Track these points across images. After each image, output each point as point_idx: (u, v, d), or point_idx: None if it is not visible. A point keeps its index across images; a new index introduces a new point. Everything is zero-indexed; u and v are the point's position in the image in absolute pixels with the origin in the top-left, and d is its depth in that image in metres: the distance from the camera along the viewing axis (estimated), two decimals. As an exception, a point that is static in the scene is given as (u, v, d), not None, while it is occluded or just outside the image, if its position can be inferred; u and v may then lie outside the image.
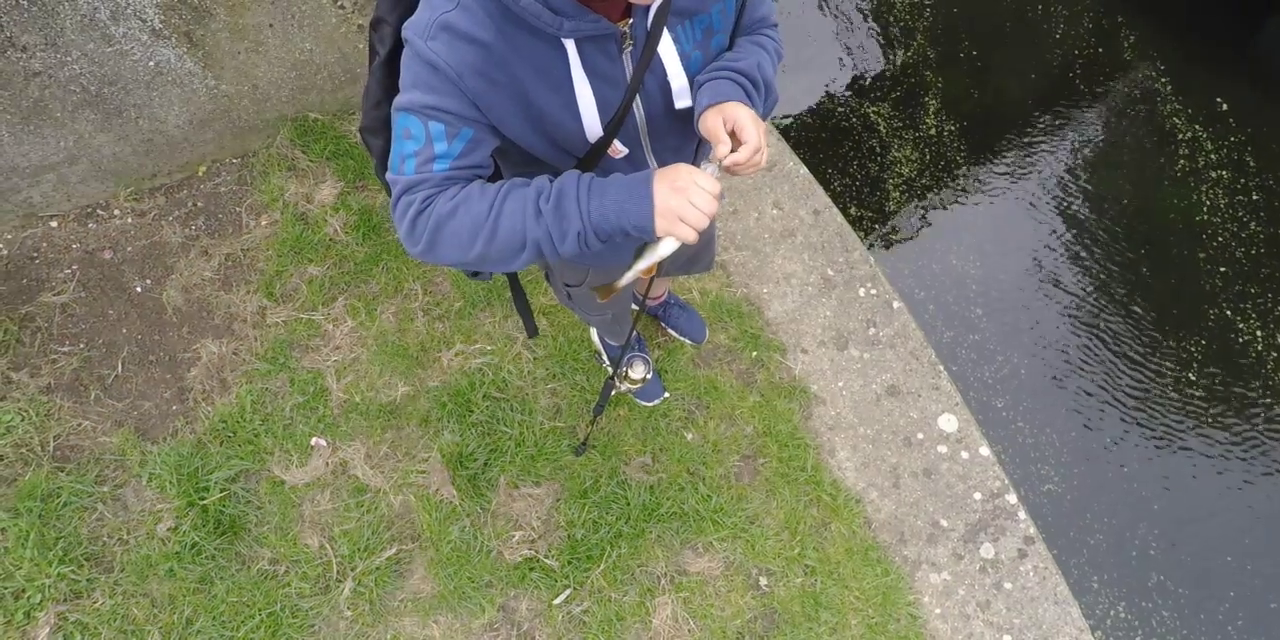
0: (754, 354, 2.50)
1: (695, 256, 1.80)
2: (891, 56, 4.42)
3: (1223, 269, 3.63)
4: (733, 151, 0.96)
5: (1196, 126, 4.10)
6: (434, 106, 0.93)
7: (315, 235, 2.52)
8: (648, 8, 0.92)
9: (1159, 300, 3.53)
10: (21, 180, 2.38)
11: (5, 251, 2.35)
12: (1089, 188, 3.89)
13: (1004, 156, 3.98)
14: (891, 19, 4.61)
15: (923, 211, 3.81)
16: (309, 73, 2.67)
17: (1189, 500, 3.06)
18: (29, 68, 2.17)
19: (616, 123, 1.00)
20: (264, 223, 2.56)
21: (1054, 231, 3.72)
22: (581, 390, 2.36)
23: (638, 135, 1.07)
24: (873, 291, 2.65)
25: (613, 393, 2.15)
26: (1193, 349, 3.39)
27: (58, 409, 2.11)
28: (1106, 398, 3.28)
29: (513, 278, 1.52)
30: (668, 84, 1.01)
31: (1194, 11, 4.92)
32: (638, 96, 1.00)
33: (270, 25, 2.46)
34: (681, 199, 0.90)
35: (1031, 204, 3.81)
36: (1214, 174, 3.94)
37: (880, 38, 4.54)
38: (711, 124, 0.98)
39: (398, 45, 1.04)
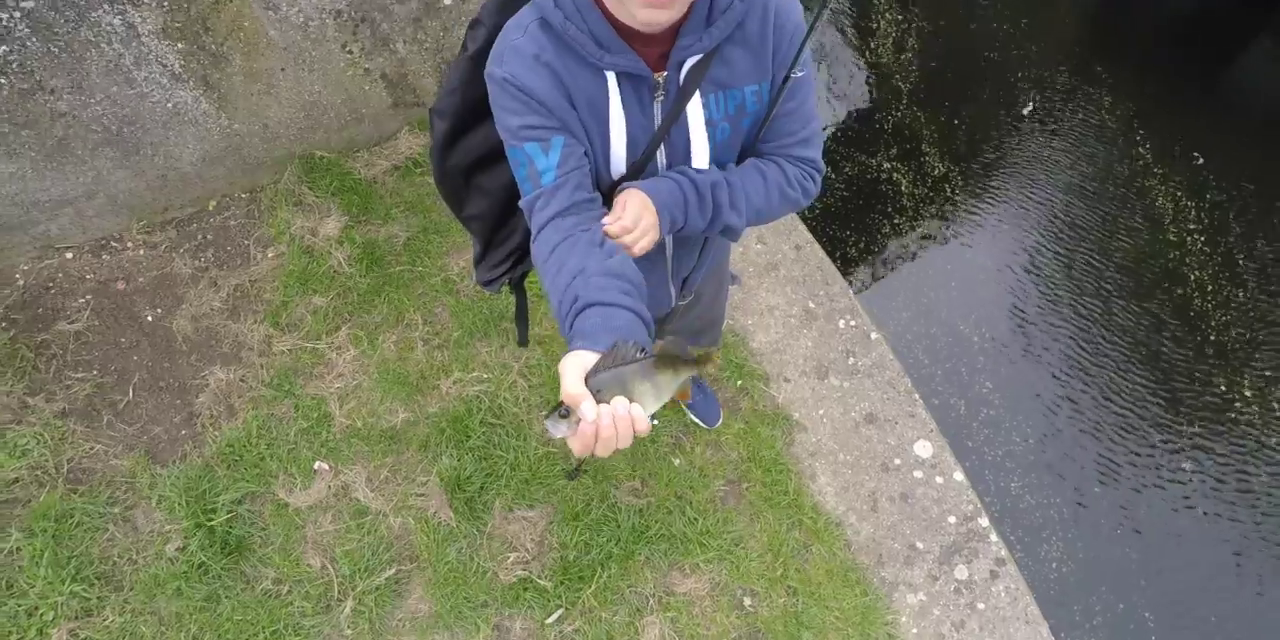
0: (739, 383, 2.65)
1: (701, 331, 1.95)
2: (877, 111, 4.68)
3: (1212, 337, 3.80)
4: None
5: (1179, 193, 4.31)
6: (522, 125, 1.04)
7: (320, 267, 2.66)
8: (682, 64, 1.05)
9: (1159, 373, 3.70)
10: (41, 214, 2.52)
11: (22, 282, 2.48)
12: (1079, 259, 4.07)
13: (992, 234, 4.18)
14: (875, 71, 4.88)
15: (923, 280, 4.00)
16: (317, 113, 2.84)
17: (1189, 572, 3.20)
18: (55, 109, 2.33)
19: (639, 165, 1.13)
20: (271, 255, 2.70)
21: (1051, 306, 3.90)
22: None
23: None
24: (852, 323, 2.82)
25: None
26: (1193, 428, 3.55)
27: (71, 433, 2.23)
28: (1115, 471, 3.44)
29: (519, 291, 1.64)
30: (689, 142, 1.13)
31: (1162, 50, 5.21)
32: (662, 147, 1.12)
33: (282, 69, 2.64)
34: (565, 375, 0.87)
35: (1024, 279, 4.01)
36: (1198, 242, 4.14)
37: (866, 91, 4.79)
38: (616, 197, 1.11)
39: (485, 46, 1.13)
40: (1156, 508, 3.36)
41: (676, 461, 2.47)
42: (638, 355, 0.84)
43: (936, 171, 4.40)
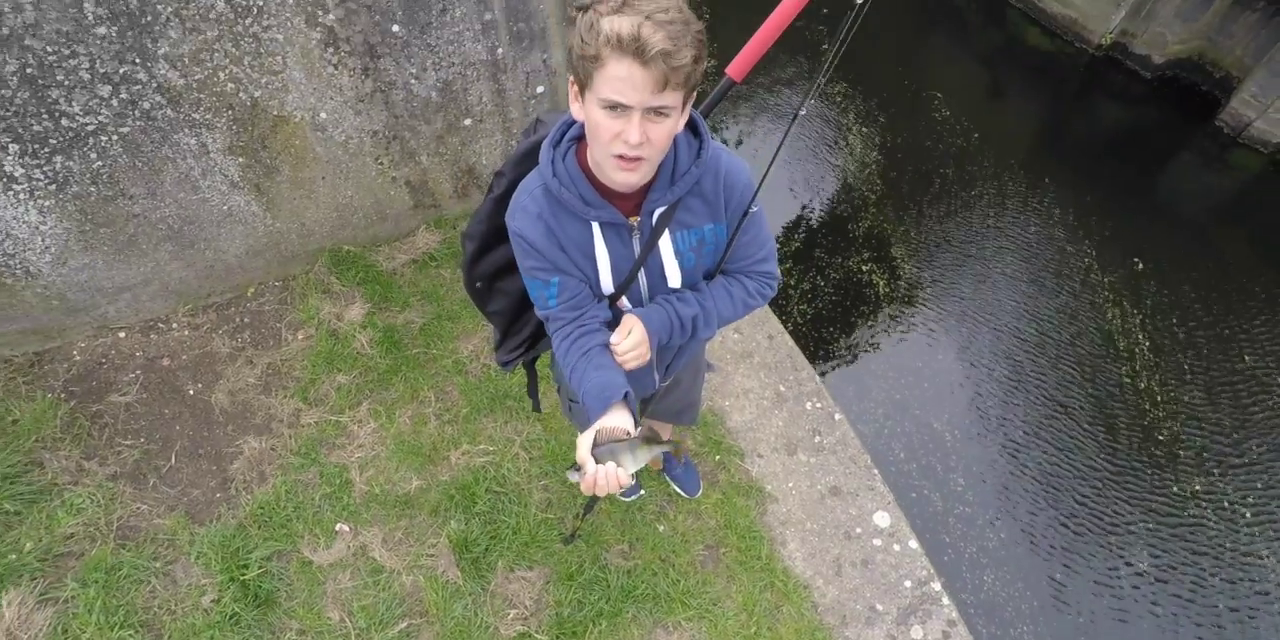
0: (717, 457, 3.02)
1: (681, 412, 2.32)
2: (850, 221, 5.29)
3: (1162, 439, 4.24)
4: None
5: (1124, 302, 4.86)
6: (528, 266, 1.46)
7: (345, 349, 3.06)
8: (652, 212, 1.47)
9: (1118, 479, 4.11)
10: (103, 298, 2.92)
11: (80, 358, 2.85)
12: (1038, 371, 4.55)
13: (959, 340, 4.67)
14: (844, 183, 5.53)
15: (898, 379, 4.44)
16: (348, 213, 3.32)
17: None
18: (131, 211, 2.77)
19: (624, 285, 1.55)
20: (301, 337, 3.10)
21: (1014, 413, 4.35)
22: (570, 487, 2.84)
23: (640, 298, 1.59)
24: (818, 405, 3.24)
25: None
26: (1148, 527, 3.93)
27: (121, 494, 2.53)
28: (1080, 570, 3.80)
29: (530, 370, 2.06)
30: (663, 267, 1.54)
31: (1100, 162, 5.92)
32: (641, 270, 1.53)
33: (323, 178, 3.13)
34: (581, 445, 1.34)
35: (989, 387, 4.47)
36: (1145, 350, 4.63)
37: (838, 201, 5.43)
38: (625, 320, 1.52)
39: (506, 191, 1.53)
40: (1119, 604, 3.70)
41: (661, 528, 2.81)
42: (624, 436, 1.33)
43: (908, 275, 4.94)
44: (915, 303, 4.80)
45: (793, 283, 4.84)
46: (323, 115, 2.92)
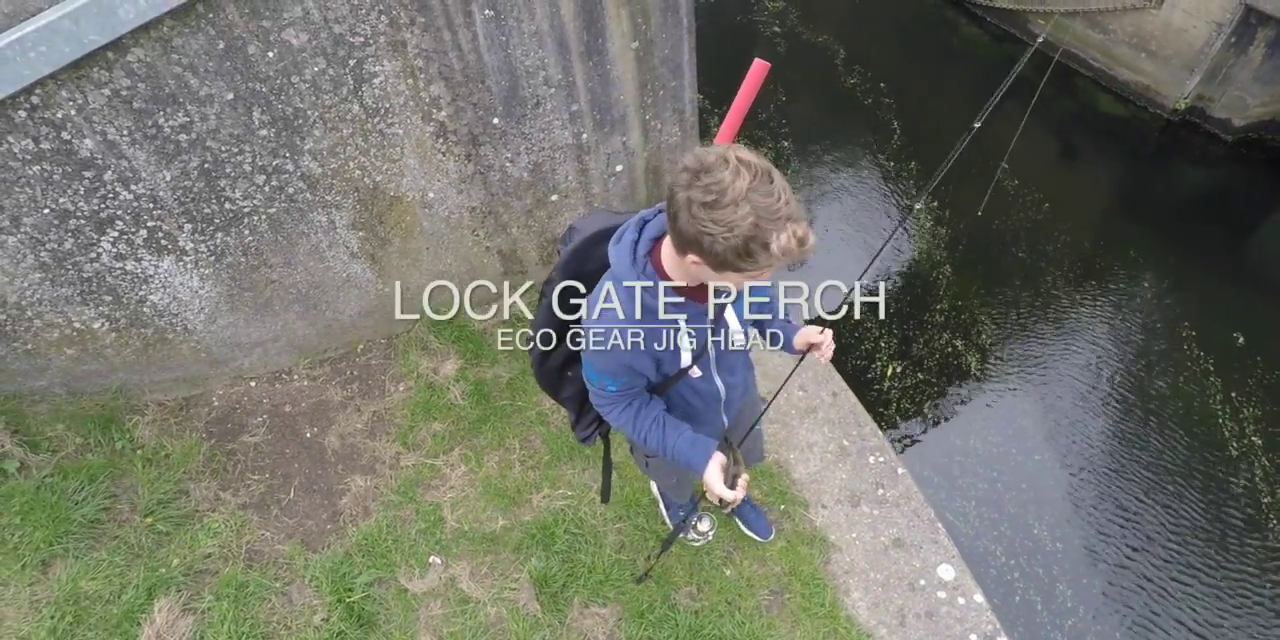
0: (782, 507, 3.26)
1: (749, 450, 2.58)
2: (928, 309, 5.42)
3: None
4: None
5: (1231, 392, 4.76)
6: (604, 367, 1.70)
7: (440, 400, 3.49)
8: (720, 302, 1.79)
9: (1246, 604, 4.02)
10: (240, 352, 3.47)
11: (218, 403, 3.37)
12: (1144, 479, 4.49)
13: (1056, 438, 4.68)
14: (921, 242, 5.74)
15: (992, 475, 4.49)
16: (445, 278, 3.82)
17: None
18: (269, 278, 3.33)
19: (697, 356, 1.83)
20: (401, 389, 3.56)
21: (1121, 527, 4.31)
22: (642, 530, 3.13)
23: (709, 364, 1.90)
24: (881, 459, 3.45)
25: (677, 538, 2.92)
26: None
27: (249, 521, 2.98)
28: None
29: (606, 452, 2.39)
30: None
31: (1185, 227, 5.88)
32: (711, 342, 1.83)
33: (427, 248, 3.65)
34: (714, 483, 1.79)
35: (1090, 495, 4.43)
36: (1259, 452, 4.51)
37: (912, 283, 5.59)
38: (802, 336, 1.91)
39: (560, 298, 1.81)
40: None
41: (728, 572, 3.05)
42: (729, 467, 1.84)
43: (993, 364, 4.98)
44: (1003, 395, 4.83)
45: (895, 382, 5.03)
46: (430, 195, 3.45)
